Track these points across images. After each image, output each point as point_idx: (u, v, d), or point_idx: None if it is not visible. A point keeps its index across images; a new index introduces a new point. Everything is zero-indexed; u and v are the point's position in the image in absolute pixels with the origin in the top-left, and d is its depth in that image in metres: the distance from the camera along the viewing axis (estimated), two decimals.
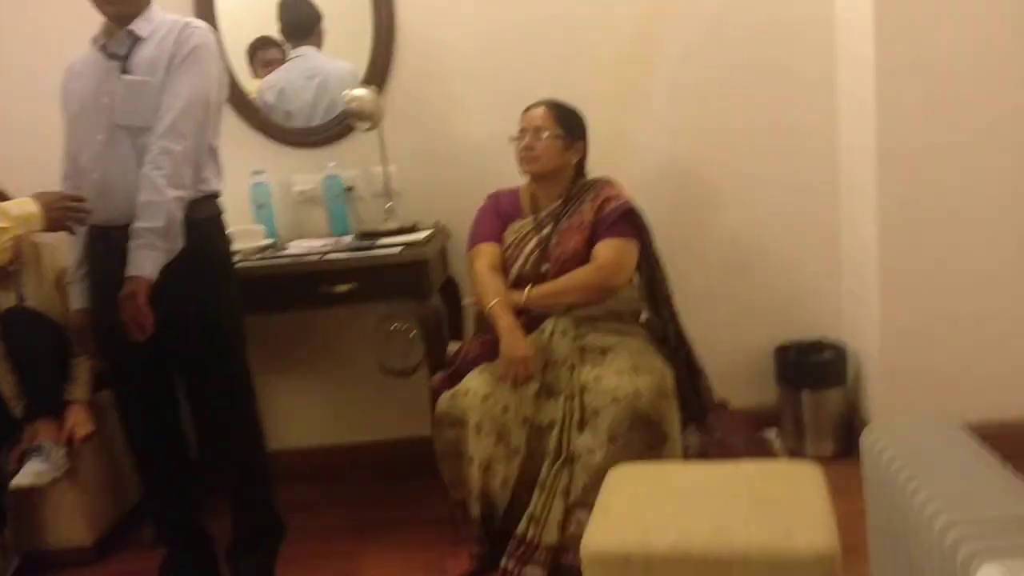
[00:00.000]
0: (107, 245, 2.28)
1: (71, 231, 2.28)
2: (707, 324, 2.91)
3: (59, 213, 2.18)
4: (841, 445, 3.00)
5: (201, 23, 2.34)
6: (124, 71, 2.27)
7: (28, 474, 2.55)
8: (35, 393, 2.61)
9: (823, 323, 3.15)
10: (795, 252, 3.14)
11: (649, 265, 2.67)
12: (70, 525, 2.80)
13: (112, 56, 2.30)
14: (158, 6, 2.36)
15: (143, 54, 2.27)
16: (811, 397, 3.01)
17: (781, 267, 3.15)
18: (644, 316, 2.70)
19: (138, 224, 2.16)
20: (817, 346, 3.10)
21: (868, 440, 1.72)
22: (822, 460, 2.22)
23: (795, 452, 3.00)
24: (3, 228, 2.03)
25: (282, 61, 3.22)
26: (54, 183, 2.38)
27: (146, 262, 2.16)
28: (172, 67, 2.24)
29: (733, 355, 3.13)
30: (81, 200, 2.23)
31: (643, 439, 2.35)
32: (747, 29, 3.02)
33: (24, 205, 2.12)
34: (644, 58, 3.05)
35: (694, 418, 2.63)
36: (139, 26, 2.29)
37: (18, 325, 2.63)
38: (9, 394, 2.61)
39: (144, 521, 2.92)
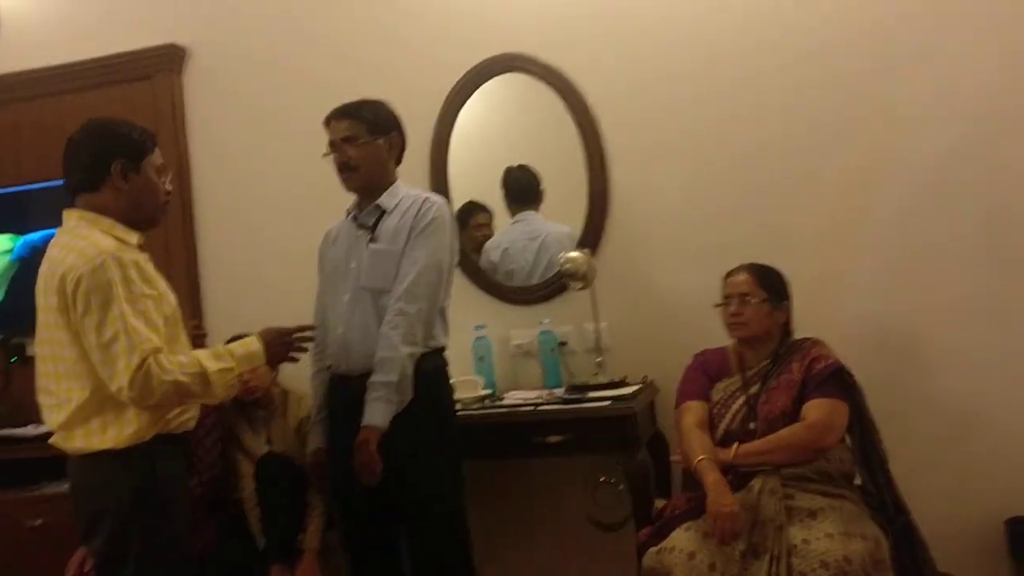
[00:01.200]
0: (345, 393, 2.55)
1: (293, 360, 2.41)
2: (927, 491, 2.77)
3: (280, 349, 2.31)
4: None
5: (439, 198, 2.64)
6: (371, 239, 2.58)
7: None
8: (274, 539, 2.84)
9: None
10: None
11: (861, 427, 2.63)
12: None
13: (362, 226, 2.63)
14: (402, 181, 2.68)
15: (387, 225, 2.58)
16: None
17: (1009, 431, 2.97)
18: (858, 480, 2.64)
19: (374, 378, 2.42)
20: None
21: None
22: None
23: None
24: (229, 368, 2.16)
25: (489, 224, 3.49)
26: None
27: (379, 413, 2.40)
28: (412, 237, 2.53)
29: (957, 525, 2.93)
30: (303, 329, 2.38)
31: None
32: (958, 194, 3.00)
33: (248, 344, 2.25)
34: (852, 217, 3.08)
35: None
36: (385, 200, 2.61)
37: (269, 471, 2.91)
38: (255, 529, 2.87)
39: None
